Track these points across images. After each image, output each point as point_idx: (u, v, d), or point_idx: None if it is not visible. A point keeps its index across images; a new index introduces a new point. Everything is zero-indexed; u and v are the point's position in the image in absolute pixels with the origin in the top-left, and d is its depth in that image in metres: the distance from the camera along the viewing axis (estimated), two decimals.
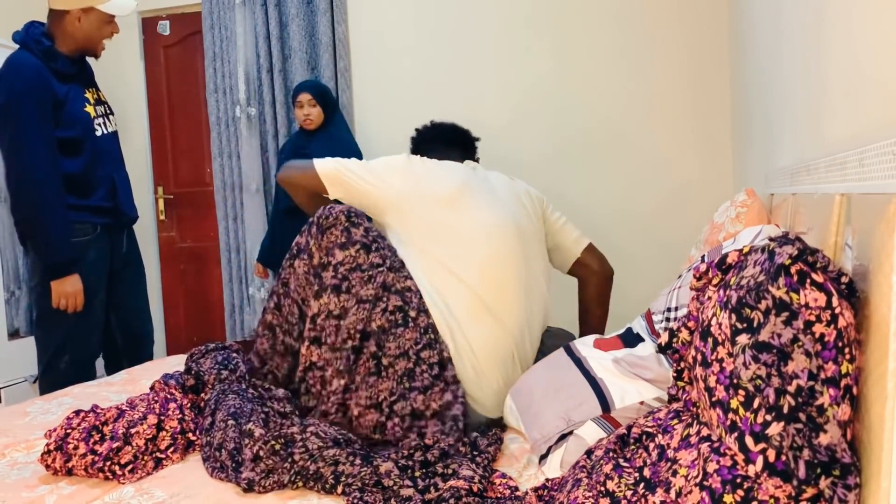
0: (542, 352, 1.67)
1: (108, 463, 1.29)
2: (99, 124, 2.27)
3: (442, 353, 1.47)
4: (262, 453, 1.25)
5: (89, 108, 2.25)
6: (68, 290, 2.14)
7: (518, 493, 1.18)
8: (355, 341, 1.45)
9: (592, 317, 1.94)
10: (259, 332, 1.63)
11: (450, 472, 1.24)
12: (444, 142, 1.94)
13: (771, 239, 0.87)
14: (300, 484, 1.22)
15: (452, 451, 1.33)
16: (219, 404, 1.43)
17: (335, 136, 2.88)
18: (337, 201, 1.70)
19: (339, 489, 1.19)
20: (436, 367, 1.44)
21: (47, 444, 1.32)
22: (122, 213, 2.34)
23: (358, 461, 1.23)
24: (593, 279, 1.93)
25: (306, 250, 1.57)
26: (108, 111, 2.36)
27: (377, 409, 1.41)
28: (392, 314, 1.46)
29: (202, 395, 1.55)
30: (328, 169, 1.71)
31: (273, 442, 1.26)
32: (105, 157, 2.27)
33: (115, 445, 1.31)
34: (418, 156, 1.78)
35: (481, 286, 1.56)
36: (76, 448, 1.30)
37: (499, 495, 1.18)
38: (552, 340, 1.73)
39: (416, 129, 2.03)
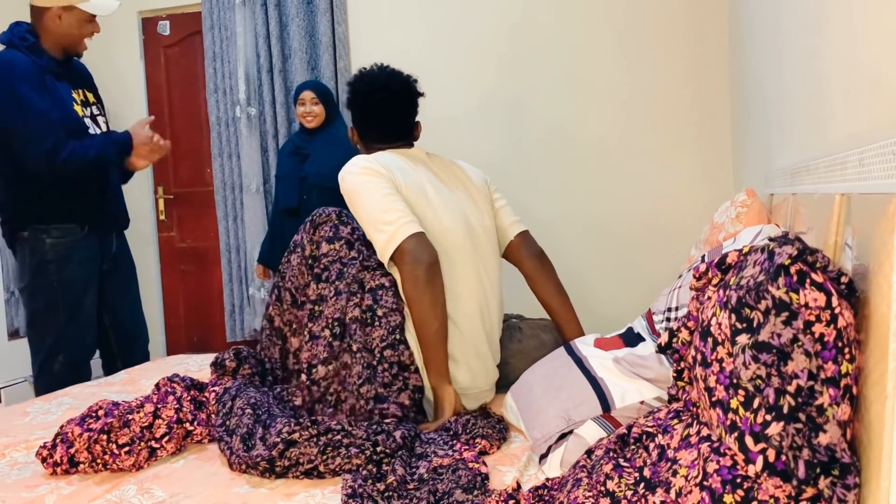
0: (520, 340, 1.69)
1: (105, 437, 1.31)
2: (87, 125, 2.25)
3: (403, 354, 1.55)
4: (299, 438, 1.28)
5: (77, 108, 2.23)
6: (142, 151, 2.23)
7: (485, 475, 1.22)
8: (333, 329, 1.55)
9: (557, 305, 1.83)
10: (263, 324, 1.78)
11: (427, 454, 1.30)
12: (389, 129, 1.82)
13: (771, 239, 0.87)
14: (329, 454, 1.26)
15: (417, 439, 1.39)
16: (239, 393, 1.50)
17: (335, 136, 2.88)
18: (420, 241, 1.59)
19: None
20: (395, 367, 1.53)
21: (46, 445, 1.33)
22: (110, 214, 2.34)
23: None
24: (529, 263, 1.84)
25: (300, 244, 1.69)
26: (98, 112, 2.34)
27: (351, 394, 1.51)
28: (364, 312, 1.56)
29: (205, 392, 1.56)
30: (386, 235, 1.58)
31: (311, 428, 1.30)
32: None
33: (109, 421, 1.33)
34: (367, 152, 1.77)
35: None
36: (73, 432, 1.32)
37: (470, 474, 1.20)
38: (534, 331, 1.73)
39: (354, 95, 1.80)
